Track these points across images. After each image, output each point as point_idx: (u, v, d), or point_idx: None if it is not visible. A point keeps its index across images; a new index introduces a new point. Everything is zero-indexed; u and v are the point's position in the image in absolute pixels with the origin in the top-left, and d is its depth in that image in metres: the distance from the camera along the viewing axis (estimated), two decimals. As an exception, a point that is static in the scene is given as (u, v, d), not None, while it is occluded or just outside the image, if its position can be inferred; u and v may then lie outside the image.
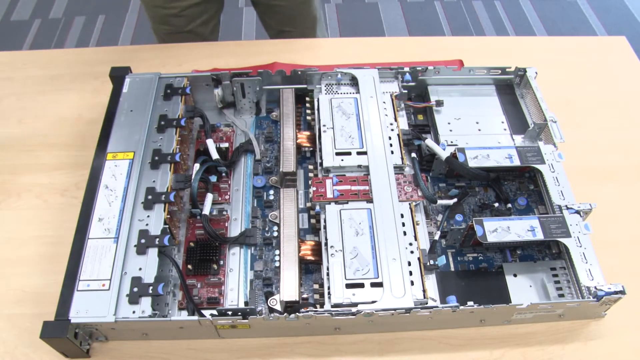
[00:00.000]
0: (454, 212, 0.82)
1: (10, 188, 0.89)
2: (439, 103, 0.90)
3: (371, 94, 0.89)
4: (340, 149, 0.82)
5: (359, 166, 0.81)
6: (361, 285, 0.69)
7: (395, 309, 0.66)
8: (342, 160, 0.81)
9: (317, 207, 0.77)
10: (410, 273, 0.70)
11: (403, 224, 0.75)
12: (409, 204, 0.77)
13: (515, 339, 0.74)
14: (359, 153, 0.82)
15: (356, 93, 0.90)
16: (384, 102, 0.88)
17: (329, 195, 0.77)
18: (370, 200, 0.77)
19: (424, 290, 0.69)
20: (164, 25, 1.21)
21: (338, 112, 0.87)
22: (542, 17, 2.36)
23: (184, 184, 0.79)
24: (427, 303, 0.69)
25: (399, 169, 0.82)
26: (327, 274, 0.70)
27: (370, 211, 0.76)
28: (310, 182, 0.80)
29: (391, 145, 0.83)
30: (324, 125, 0.85)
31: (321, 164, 0.82)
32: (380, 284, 0.69)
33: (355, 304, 0.67)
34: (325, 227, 0.74)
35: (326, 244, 0.73)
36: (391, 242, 0.72)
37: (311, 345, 0.73)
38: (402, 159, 0.82)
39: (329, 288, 0.69)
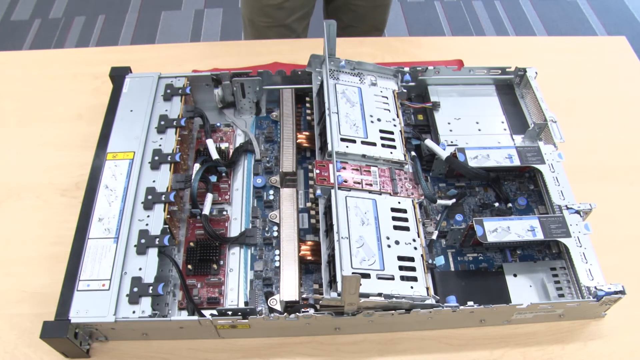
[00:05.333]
0: (453, 212, 0.82)
1: (10, 188, 0.89)
2: (435, 105, 0.90)
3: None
4: (345, 135, 0.80)
5: (364, 156, 0.80)
6: (367, 276, 0.67)
7: (395, 309, 0.66)
8: (347, 147, 0.80)
9: (318, 191, 0.75)
10: (414, 269, 0.70)
11: (406, 219, 0.74)
12: (412, 200, 0.77)
13: (515, 339, 0.74)
14: (363, 142, 0.81)
15: (360, 83, 0.89)
16: (386, 97, 0.88)
17: (332, 180, 0.75)
18: (373, 192, 0.76)
19: (427, 288, 0.69)
20: (264, 18, 1.24)
21: (342, 99, 0.84)
22: (542, 17, 2.36)
23: (184, 184, 0.79)
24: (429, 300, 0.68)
25: (400, 165, 0.82)
26: (329, 263, 0.68)
27: (375, 202, 0.75)
28: (312, 165, 0.78)
29: (394, 140, 0.83)
30: (328, 109, 0.80)
31: (324, 148, 0.79)
32: (386, 277, 0.68)
33: (366, 295, 0.65)
34: (330, 210, 0.71)
35: (331, 229, 0.69)
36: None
37: (311, 345, 0.73)
38: (404, 155, 0.82)
39: (334, 277, 0.67)
